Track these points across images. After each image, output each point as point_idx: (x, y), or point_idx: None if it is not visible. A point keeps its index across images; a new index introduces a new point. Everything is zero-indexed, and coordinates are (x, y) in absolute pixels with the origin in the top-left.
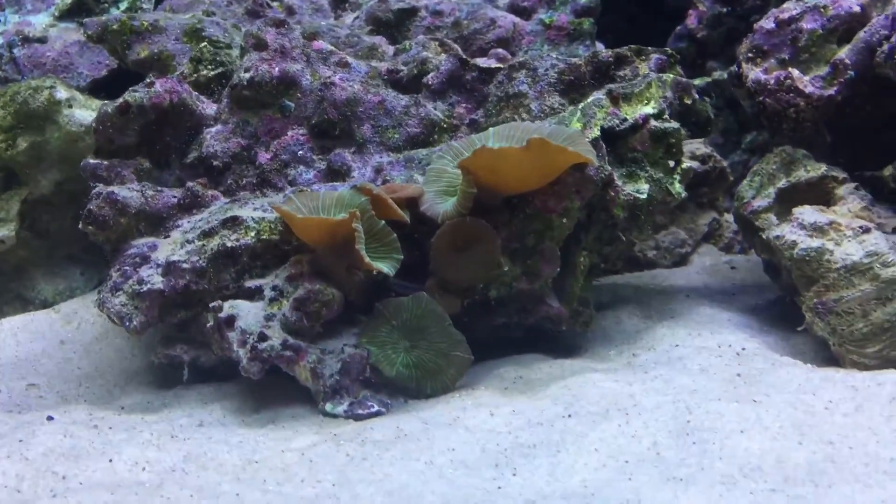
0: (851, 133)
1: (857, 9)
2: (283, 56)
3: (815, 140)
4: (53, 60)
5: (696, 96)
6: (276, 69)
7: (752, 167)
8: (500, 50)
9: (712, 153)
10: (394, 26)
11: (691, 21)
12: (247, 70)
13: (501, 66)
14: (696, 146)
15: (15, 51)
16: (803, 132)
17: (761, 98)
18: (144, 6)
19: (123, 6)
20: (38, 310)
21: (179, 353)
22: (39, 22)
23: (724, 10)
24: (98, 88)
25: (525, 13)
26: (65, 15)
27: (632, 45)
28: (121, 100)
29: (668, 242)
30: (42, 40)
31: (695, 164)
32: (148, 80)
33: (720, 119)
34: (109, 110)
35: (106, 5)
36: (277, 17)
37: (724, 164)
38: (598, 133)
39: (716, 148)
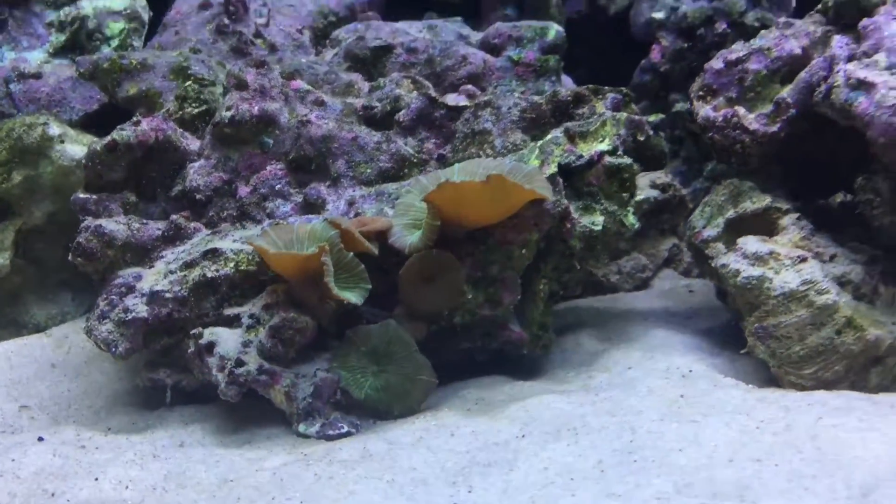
0: (800, 163)
1: (798, 51)
2: (262, 95)
3: (765, 171)
4: (48, 95)
5: (650, 132)
6: (256, 108)
7: (704, 198)
8: (469, 86)
9: (672, 182)
10: (370, 62)
11: (655, 55)
12: (228, 109)
13: (468, 104)
14: (657, 175)
15: (11, 86)
16: (750, 165)
17: (710, 134)
18: (134, 43)
19: (114, 44)
20: (32, 333)
21: (163, 376)
22: (35, 58)
23: (685, 45)
24: (90, 122)
25: (495, 50)
26: (59, 52)
27: (590, 85)
28: (109, 138)
29: (630, 267)
30: (37, 76)
31: (655, 192)
32: (135, 119)
33: (683, 148)
34: (98, 148)
35: (97, 43)
36: (260, 56)
37: (684, 192)
38: (556, 169)
39: (679, 175)
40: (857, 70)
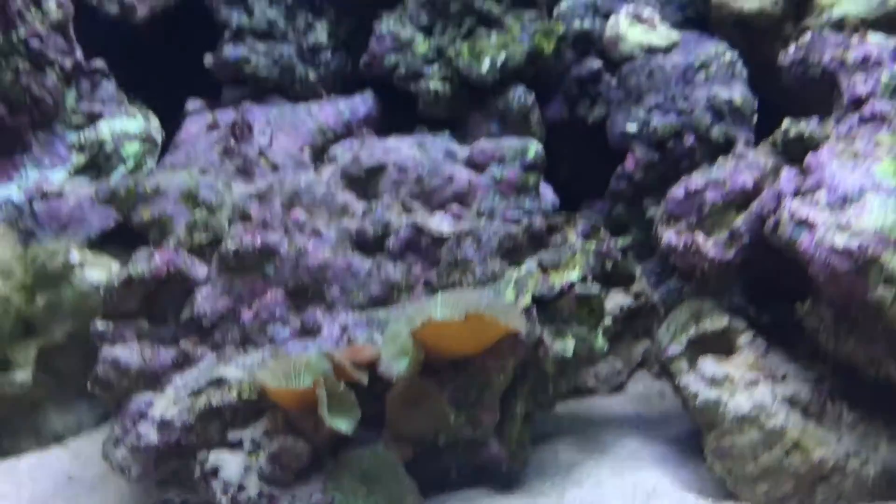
0: (758, 281)
1: (749, 186)
2: (264, 227)
3: (724, 290)
4: (68, 214)
5: (619, 258)
6: (259, 240)
7: (669, 316)
8: (455, 207)
9: (643, 290)
10: (365, 181)
11: (629, 165)
12: (233, 239)
13: (451, 234)
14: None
15: (35, 205)
16: (710, 286)
17: (673, 258)
18: (148, 163)
19: (130, 164)
20: (51, 442)
21: (172, 496)
22: (56, 178)
23: (657, 156)
24: (107, 237)
25: (480, 167)
26: (79, 171)
27: (562, 212)
28: (125, 274)
29: (606, 372)
30: (59, 195)
31: (629, 300)
32: (149, 252)
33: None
34: (115, 284)
35: (114, 162)
36: (261, 175)
37: (655, 298)
38: (530, 301)
39: (654, 275)
40: (801, 208)
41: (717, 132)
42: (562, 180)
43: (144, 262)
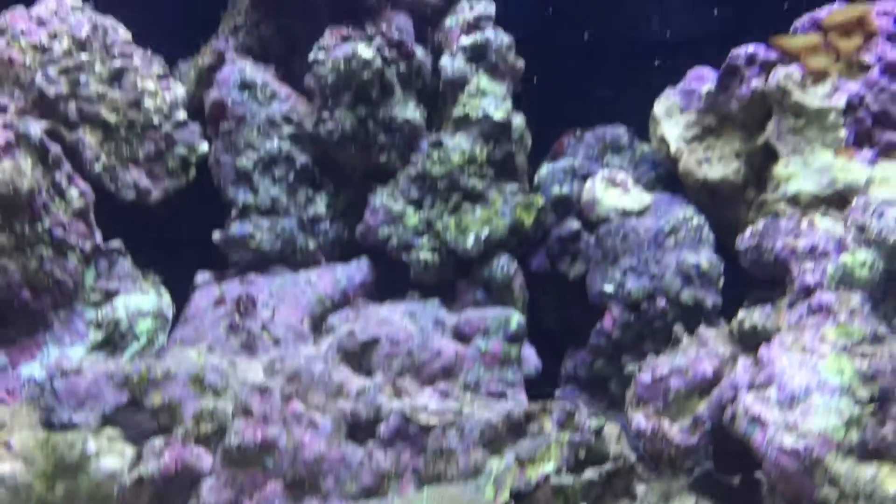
0: (722, 457)
1: (709, 374)
2: (265, 421)
3: (692, 471)
4: (85, 391)
5: (592, 442)
6: (259, 436)
7: (640, 495)
8: (442, 384)
9: (622, 452)
10: (360, 354)
11: (607, 323)
12: (236, 434)
13: (437, 422)
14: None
15: (55, 382)
16: (677, 467)
17: (643, 442)
18: (160, 337)
19: (143, 340)
20: None
21: None
22: (75, 354)
23: (632, 317)
24: (121, 411)
25: (466, 338)
26: (96, 347)
27: (539, 402)
28: (136, 475)
29: None
30: (77, 371)
31: (609, 465)
32: (158, 448)
33: None
34: (128, 484)
35: (128, 339)
36: (263, 369)
37: (632, 460)
38: (508, 496)
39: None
40: (753, 404)
41: (686, 296)
42: (546, 329)
43: (154, 462)
